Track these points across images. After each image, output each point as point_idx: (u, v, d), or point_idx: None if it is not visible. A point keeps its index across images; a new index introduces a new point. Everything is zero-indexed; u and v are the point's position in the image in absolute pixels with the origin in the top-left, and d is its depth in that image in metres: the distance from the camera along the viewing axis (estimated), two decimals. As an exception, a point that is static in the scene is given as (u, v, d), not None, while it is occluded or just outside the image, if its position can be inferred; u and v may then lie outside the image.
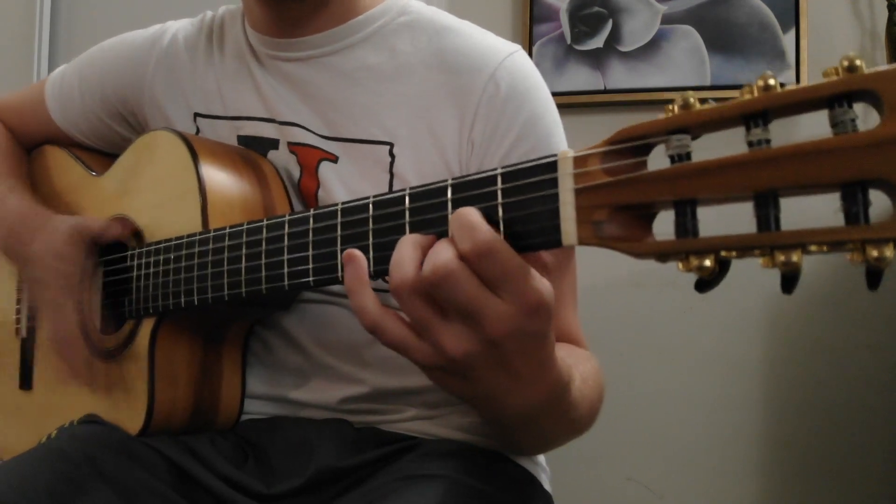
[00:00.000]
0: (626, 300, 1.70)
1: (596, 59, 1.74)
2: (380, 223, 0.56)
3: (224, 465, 0.76)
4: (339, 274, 0.59)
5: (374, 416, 0.82)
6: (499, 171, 0.50)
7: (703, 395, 1.65)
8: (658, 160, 0.43)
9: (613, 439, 1.66)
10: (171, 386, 0.78)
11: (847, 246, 0.37)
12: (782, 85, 0.38)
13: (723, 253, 0.40)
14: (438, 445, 0.78)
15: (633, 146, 0.44)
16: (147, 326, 0.78)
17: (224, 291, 0.70)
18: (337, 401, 0.82)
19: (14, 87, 1.09)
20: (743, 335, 1.64)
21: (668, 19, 1.70)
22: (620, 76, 1.73)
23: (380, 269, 0.56)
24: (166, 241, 0.76)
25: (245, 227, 0.68)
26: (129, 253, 0.82)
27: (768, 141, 0.39)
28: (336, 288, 0.80)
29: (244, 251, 0.68)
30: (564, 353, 0.58)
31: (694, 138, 0.42)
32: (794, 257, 0.38)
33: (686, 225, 0.41)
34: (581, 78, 1.75)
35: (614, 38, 1.74)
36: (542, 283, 0.49)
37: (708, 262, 0.40)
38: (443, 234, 0.52)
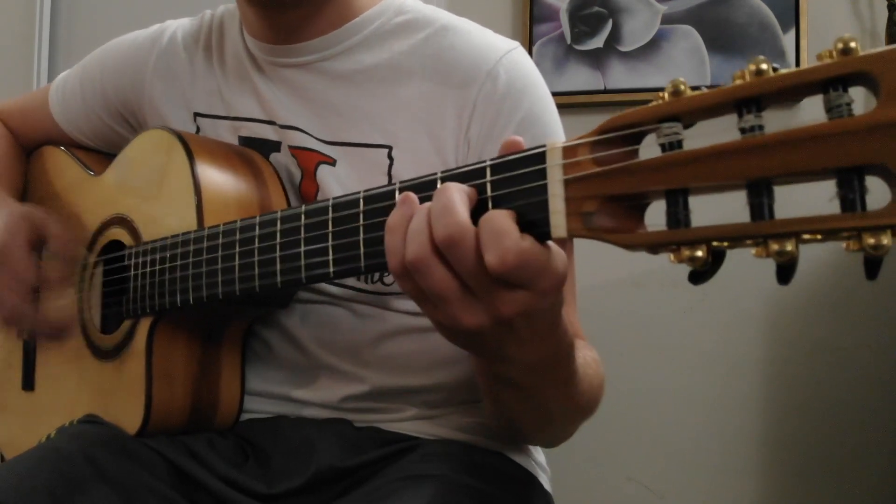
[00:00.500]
0: (626, 300, 1.69)
1: (596, 59, 1.74)
2: (370, 218, 0.56)
3: (224, 465, 0.76)
4: (331, 270, 0.59)
5: (374, 415, 0.82)
6: (488, 162, 0.49)
7: (703, 395, 1.64)
8: (651, 150, 0.43)
9: (614, 439, 1.66)
10: (169, 385, 0.78)
11: (842, 234, 0.36)
12: (775, 69, 0.37)
13: (715, 243, 0.39)
14: (439, 446, 0.78)
15: (624, 135, 0.43)
16: (144, 325, 0.78)
17: (218, 289, 0.70)
18: (338, 399, 0.81)
19: (14, 88, 1.09)
20: (743, 335, 1.63)
21: (668, 19, 1.70)
22: (620, 76, 1.73)
23: (371, 263, 0.55)
24: (161, 239, 0.76)
25: (238, 224, 0.68)
26: (127, 252, 0.82)
27: (762, 127, 0.38)
28: (337, 290, 0.80)
29: (237, 249, 0.68)
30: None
31: (686, 126, 0.41)
32: (789, 246, 0.37)
33: (678, 215, 0.40)
34: (581, 78, 1.75)
35: (614, 38, 1.73)
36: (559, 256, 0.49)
37: (699, 253, 0.39)
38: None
